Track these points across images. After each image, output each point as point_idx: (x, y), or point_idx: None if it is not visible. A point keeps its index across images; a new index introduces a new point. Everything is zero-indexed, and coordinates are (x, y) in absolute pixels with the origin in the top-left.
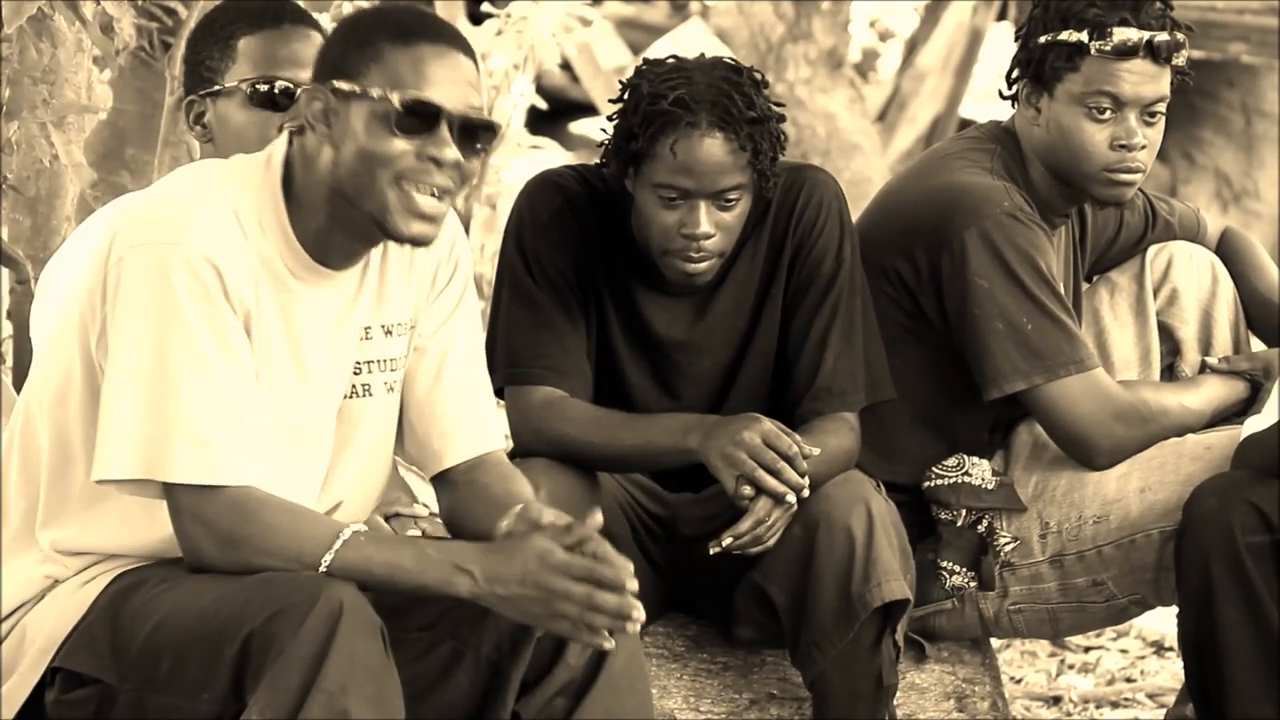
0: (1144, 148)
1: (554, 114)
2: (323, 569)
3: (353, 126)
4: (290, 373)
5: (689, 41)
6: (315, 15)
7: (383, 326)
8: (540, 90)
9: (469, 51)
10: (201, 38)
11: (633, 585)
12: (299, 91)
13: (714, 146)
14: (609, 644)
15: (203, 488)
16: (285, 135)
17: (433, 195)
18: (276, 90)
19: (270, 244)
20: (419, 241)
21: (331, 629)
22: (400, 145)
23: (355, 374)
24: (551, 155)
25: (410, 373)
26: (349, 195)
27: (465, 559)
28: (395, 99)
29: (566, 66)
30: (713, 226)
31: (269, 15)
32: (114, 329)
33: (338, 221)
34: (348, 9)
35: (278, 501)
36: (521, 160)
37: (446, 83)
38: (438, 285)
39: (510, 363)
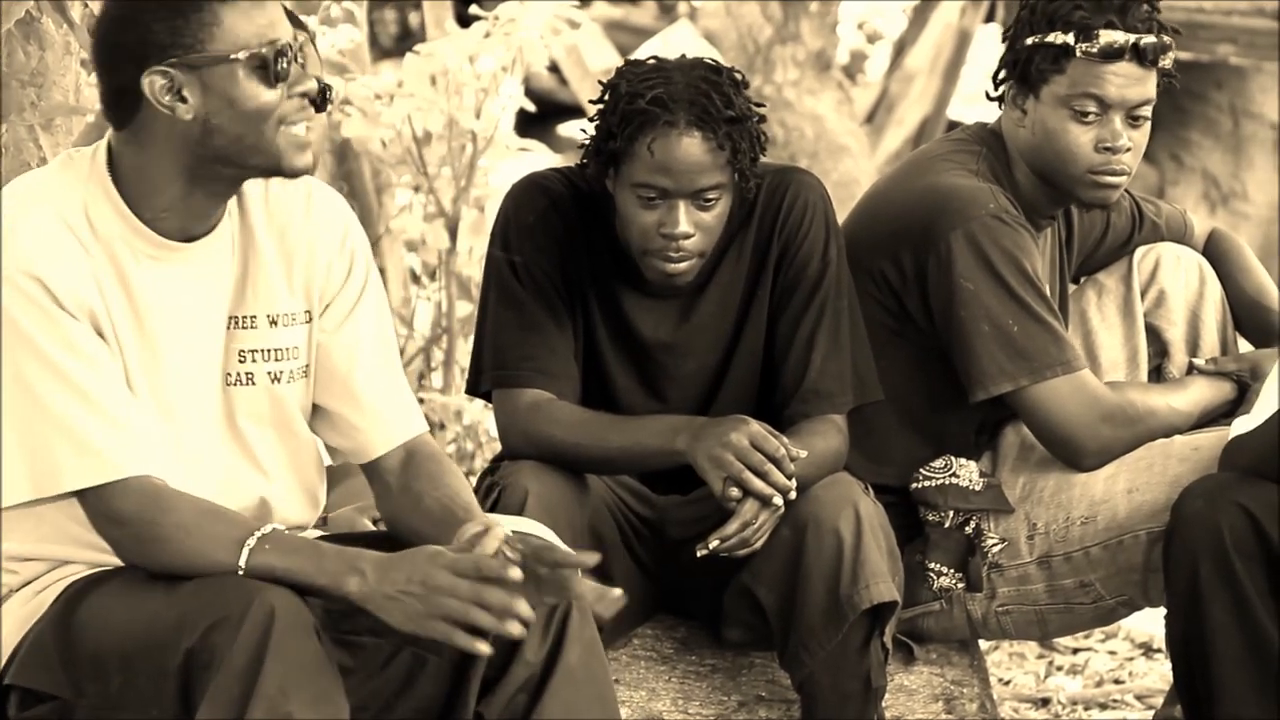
0: (1129, 150)
1: (542, 116)
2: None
3: (222, 92)
4: (147, 355)
5: (677, 43)
6: (302, 18)
7: (268, 316)
8: (528, 92)
9: None
10: None
11: (515, 575)
12: (140, 81)
13: (692, 146)
14: (485, 650)
15: (103, 487)
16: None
17: (307, 124)
18: None
19: (107, 235)
20: (308, 170)
21: (265, 634)
22: (276, 93)
23: (240, 362)
24: (539, 158)
25: (323, 367)
26: (230, 157)
27: (360, 560)
28: (258, 53)
29: (555, 69)
30: (692, 226)
31: None
32: None
33: (195, 189)
34: (335, 11)
35: (187, 500)
36: (510, 162)
37: (279, 19)
38: (334, 278)
39: (497, 365)
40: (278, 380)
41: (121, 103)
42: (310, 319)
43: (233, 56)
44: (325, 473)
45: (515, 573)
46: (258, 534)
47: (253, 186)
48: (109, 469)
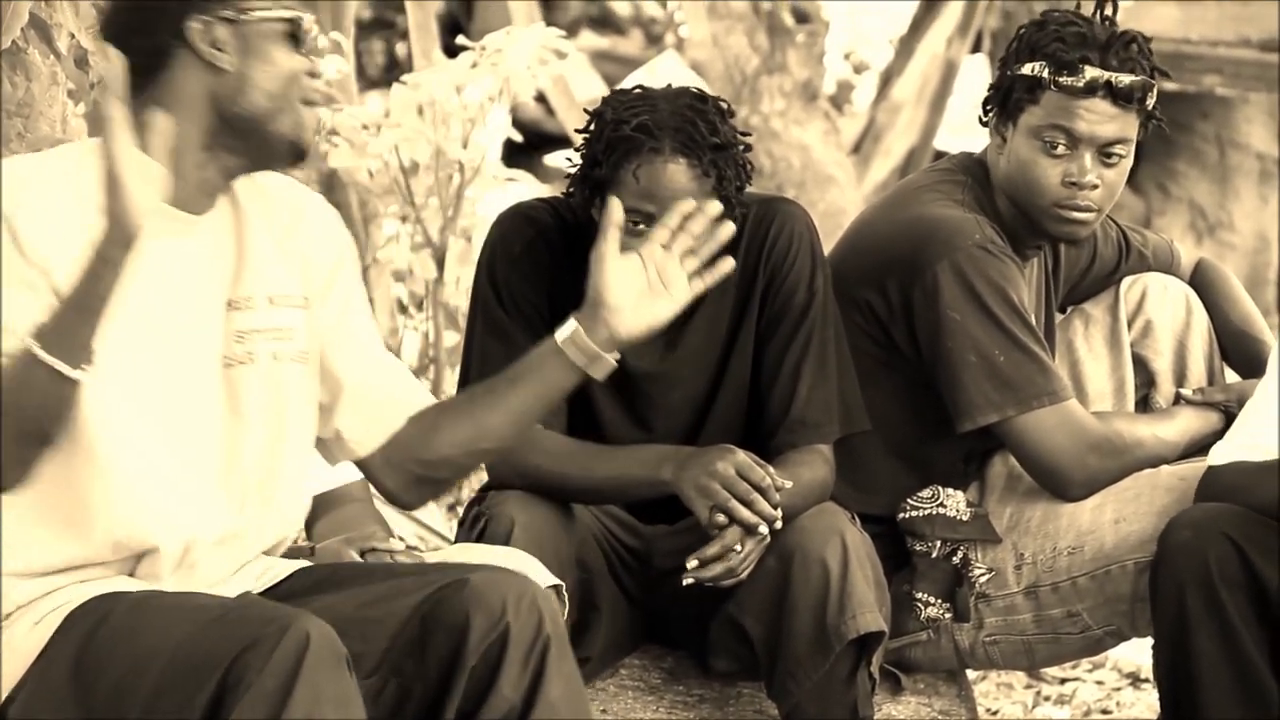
0: (1096, 188)
1: (529, 146)
2: None
3: (259, 50)
4: (147, 328)
5: (664, 73)
6: None
7: (267, 296)
8: (515, 123)
9: None
10: None
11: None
12: (180, 27)
13: (677, 172)
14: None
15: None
16: None
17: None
18: None
19: None
20: (311, 152)
21: (298, 661)
22: (304, 63)
23: (238, 342)
24: (526, 187)
25: (328, 363)
26: (258, 119)
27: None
28: (293, 18)
29: (541, 99)
30: None
31: None
32: None
33: (210, 160)
34: (322, 42)
35: None
36: (496, 192)
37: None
38: (328, 266)
39: None
40: (278, 359)
41: (148, 64)
42: (306, 304)
43: (273, 15)
44: (313, 498)
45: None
46: None
47: (244, 180)
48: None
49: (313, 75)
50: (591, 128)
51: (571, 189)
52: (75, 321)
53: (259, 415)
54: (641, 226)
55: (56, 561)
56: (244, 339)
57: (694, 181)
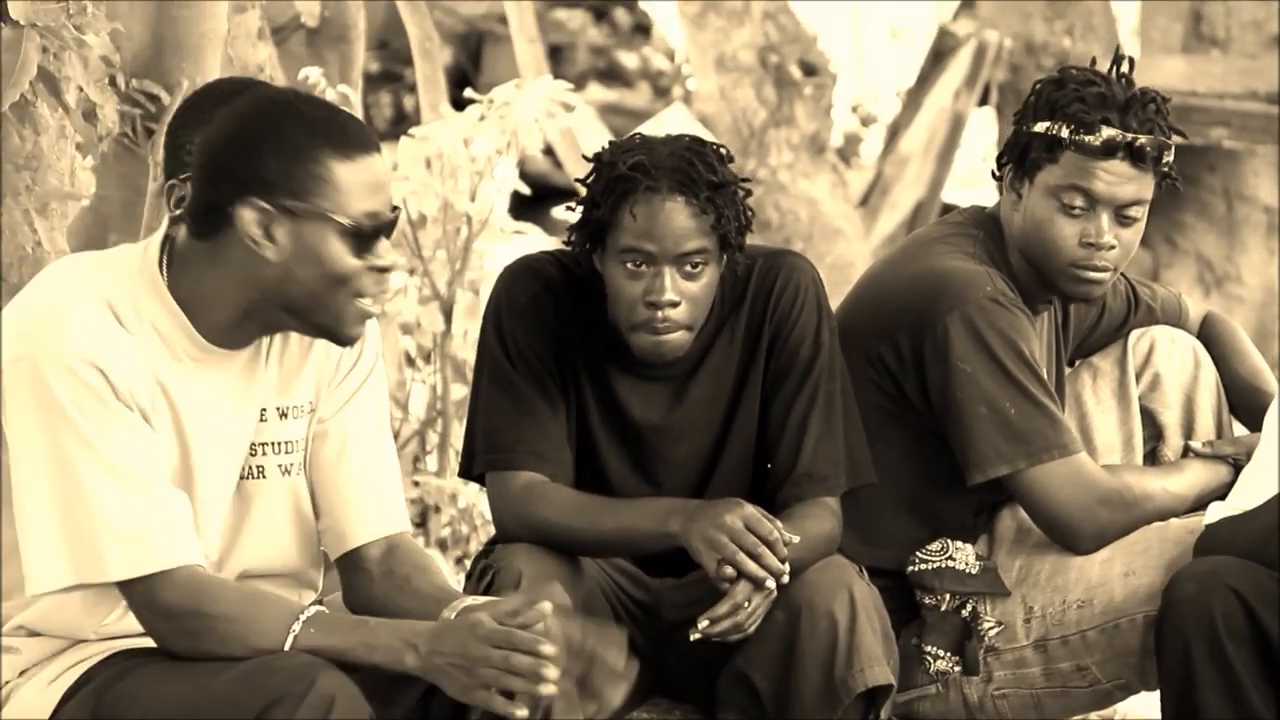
0: (1113, 248)
1: (537, 199)
2: None
3: (311, 246)
4: (180, 451)
5: (671, 127)
6: None
7: (278, 409)
8: (523, 175)
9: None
10: (183, 122)
11: (548, 650)
12: (236, 206)
13: (675, 210)
14: (522, 713)
15: (148, 578)
16: (165, 222)
17: (374, 299)
18: None
19: (154, 331)
20: (356, 341)
21: (324, 717)
22: (357, 262)
23: (251, 455)
24: (534, 240)
25: (315, 456)
26: (297, 309)
27: (413, 635)
28: (358, 223)
29: (549, 151)
30: (678, 294)
31: None
32: (9, 445)
33: (249, 321)
34: (330, 95)
35: (230, 587)
36: (504, 245)
37: (386, 190)
38: (341, 369)
39: (490, 448)
40: (287, 473)
41: (209, 217)
42: (313, 409)
43: (334, 216)
44: (323, 559)
45: (548, 647)
46: (302, 618)
47: None
48: (154, 560)
49: (381, 269)
50: (591, 174)
51: (572, 236)
52: None
53: (262, 524)
54: (642, 267)
55: (82, 632)
56: (256, 452)
57: (692, 220)
